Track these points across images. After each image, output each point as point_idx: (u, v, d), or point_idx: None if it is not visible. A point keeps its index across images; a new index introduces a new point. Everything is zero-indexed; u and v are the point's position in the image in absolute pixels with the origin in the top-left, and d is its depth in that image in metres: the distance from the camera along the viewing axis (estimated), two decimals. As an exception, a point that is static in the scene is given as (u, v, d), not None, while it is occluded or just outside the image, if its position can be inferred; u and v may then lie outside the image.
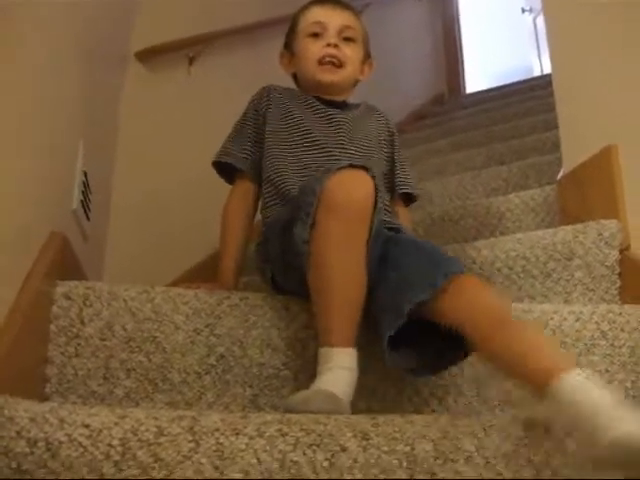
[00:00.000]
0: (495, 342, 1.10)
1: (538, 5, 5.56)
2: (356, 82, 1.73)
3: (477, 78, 6.38)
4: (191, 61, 2.82)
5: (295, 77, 1.75)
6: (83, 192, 1.75)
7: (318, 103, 1.65)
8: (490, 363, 1.18)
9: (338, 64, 1.62)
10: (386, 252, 1.35)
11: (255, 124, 1.64)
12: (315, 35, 1.63)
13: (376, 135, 1.69)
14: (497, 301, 1.19)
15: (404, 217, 1.67)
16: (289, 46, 1.72)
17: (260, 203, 1.62)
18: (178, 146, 2.64)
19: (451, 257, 1.30)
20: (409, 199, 1.73)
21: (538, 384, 0.99)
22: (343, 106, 1.68)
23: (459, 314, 1.17)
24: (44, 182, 1.44)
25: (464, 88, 6.10)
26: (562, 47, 2.11)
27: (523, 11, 6.65)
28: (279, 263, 1.43)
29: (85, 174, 1.77)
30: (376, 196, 1.26)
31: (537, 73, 6.25)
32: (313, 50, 1.62)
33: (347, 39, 1.63)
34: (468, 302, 1.18)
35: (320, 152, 1.56)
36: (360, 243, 1.25)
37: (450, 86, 5.99)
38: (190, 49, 2.80)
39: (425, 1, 5.77)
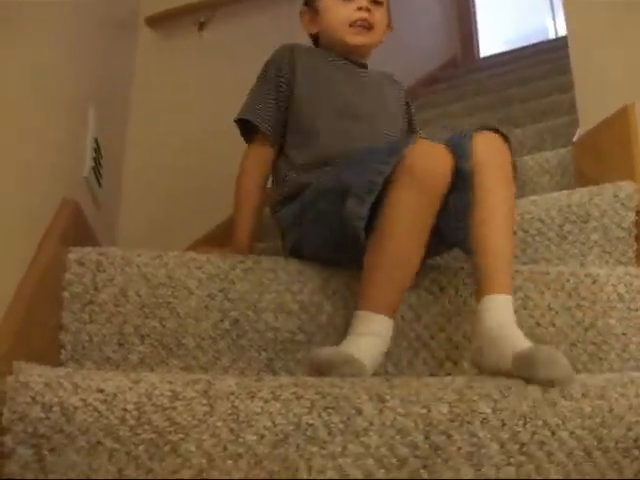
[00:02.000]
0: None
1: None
2: None
3: (491, 41, 6.30)
4: (202, 26, 2.80)
5: (314, 38, 1.71)
6: (95, 159, 1.74)
7: (348, 63, 1.63)
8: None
9: (369, 27, 1.59)
10: None
11: (278, 85, 1.58)
12: None
13: (397, 99, 1.69)
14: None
15: None
16: (311, 4, 1.66)
17: (282, 165, 1.57)
18: (190, 111, 2.63)
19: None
20: None
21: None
22: (366, 68, 1.67)
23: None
24: (56, 149, 1.43)
25: (478, 51, 6.02)
26: (576, 8, 2.07)
27: (537, -27, 6.56)
28: (315, 229, 1.41)
29: (96, 141, 1.76)
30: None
31: (552, 36, 6.17)
32: (345, 12, 1.58)
33: (376, 2, 1.60)
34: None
35: (357, 115, 1.55)
36: (432, 216, 1.23)
37: (464, 49, 5.92)
38: (200, 14, 2.77)
39: (438, -36, 5.69)
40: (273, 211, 1.56)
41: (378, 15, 1.60)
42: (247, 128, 1.59)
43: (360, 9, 1.57)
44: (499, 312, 1.15)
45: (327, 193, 1.36)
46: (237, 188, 1.56)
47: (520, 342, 1.07)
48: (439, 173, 1.22)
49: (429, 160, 1.22)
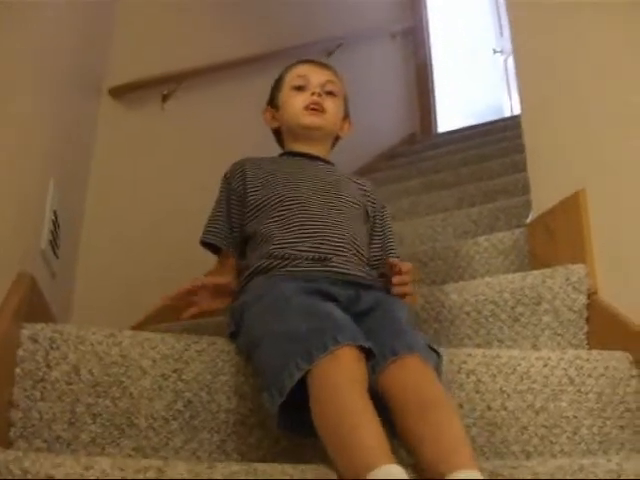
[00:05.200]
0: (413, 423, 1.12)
1: (509, 47, 5.64)
2: (336, 139, 1.81)
3: (449, 117, 6.45)
4: (165, 98, 2.83)
5: (276, 133, 1.82)
6: (52, 231, 1.74)
7: (301, 158, 1.72)
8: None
9: (321, 110, 1.70)
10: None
11: (229, 199, 1.67)
12: (299, 88, 1.73)
13: (357, 200, 1.68)
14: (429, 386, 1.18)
15: None
16: (273, 102, 1.81)
17: (247, 257, 1.60)
18: (150, 184, 2.64)
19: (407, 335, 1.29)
20: None
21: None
22: (325, 162, 1.74)
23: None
24: (13, 222, 1.43)
25: (436, 127, 6.15)
26: (531, 90, 2.14)
27: (494, 52, 6.74)
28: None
29: (55, 213, 1.76)
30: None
31: (508, 113, 6.33)
32: (300, 100, 1.71)
33: (329, 93, 1.73)
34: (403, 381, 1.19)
35: (304, 209, 1.57)
36: (362, 388, 1.13)
37: (423, 125, 6.04)
38: (164, 86, 2.81)
39: (398, 41, 5.84)
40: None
41: (330, 102, 1.72)
42: (211, 245, 1.66)
43: (313, 94, 1.70)
44: None
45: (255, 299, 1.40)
46: None
47: None
48: (353, 379, 1.13)
49: (340, 377, 1.13)
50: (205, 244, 1.67)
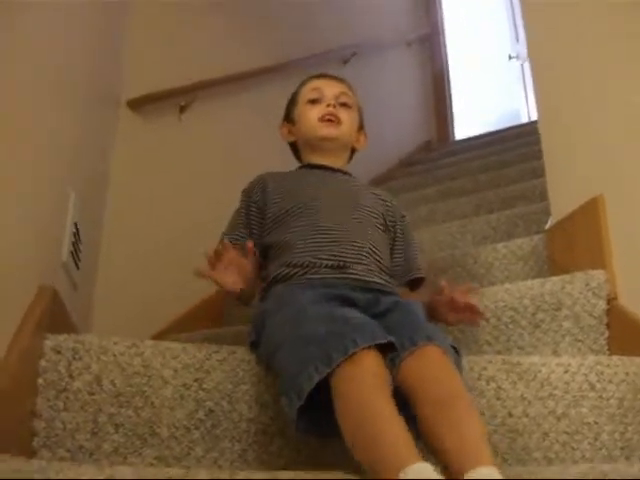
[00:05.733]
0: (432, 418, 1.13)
1: (525, 52, 5.63)
2: (353, 151, 1.82)
3: (466, 124, 6.43)
4: (182, 109, 2.85)
5: (293, 147, 1.84)
6: (73, 243, 1.76)
7: (319, 170, 1.73)
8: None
9: (337, 121, 1.72)
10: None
11: (248, 210, 1.68)
12: (314, 101, 1.75)
13: (375, 210, 1.69)
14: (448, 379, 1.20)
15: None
16: (289, 117, 1.83)
17: (268, 264, 1.60)
18: (168, 194, 2.66)
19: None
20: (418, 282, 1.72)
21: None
22: (343, 173, 1.76)
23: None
24: (35, 235, 1.45)
25: (453, 135, 6.14)
26: (548, 96, 2.15)
27: (510, 58, 6.73)
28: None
29: (76, 225, 1.78)
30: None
31: (525, 119, 6.31)
32: (314, 111, 1.74)
33: (343, 104, 1.75)
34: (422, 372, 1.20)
35: (324, 218, 1.58)
36: (386, 389, 1.14)
37: (439, 133, 6.03)
38: (181, 98, 2.83)
39: (414, 48, 5.84)
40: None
41: (345, 113, 1.74)
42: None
43: (328, 106, 1.72)
44: None
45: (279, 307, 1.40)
46: None
47: None
48: (374, 378, 1.15)
49: (363, 379, 1.14)
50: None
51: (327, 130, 1.71)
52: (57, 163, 1.65)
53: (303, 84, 1.83)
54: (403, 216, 1.77)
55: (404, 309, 1.42)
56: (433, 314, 1.52)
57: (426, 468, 0.97)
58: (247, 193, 1.72)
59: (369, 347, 1.16)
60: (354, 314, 1.29)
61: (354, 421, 1.09)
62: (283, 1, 3.79)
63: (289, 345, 1.26)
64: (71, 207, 1.74)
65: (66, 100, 1.71)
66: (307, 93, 1.78)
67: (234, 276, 1.44)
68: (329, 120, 1.71)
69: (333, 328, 1.21)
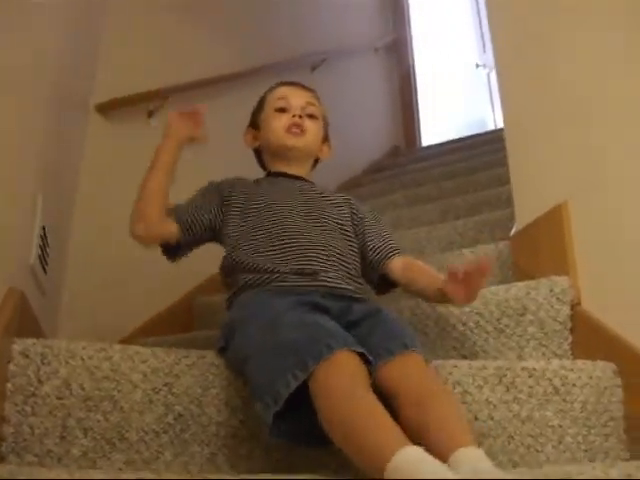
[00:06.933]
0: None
1: (491, 61, 5.68)
2: (316, 161, 1.84)
3: (434, 131, 6.47)
4: (150, 113, 2.84)
5: (257, 153, 1.86)
6: (41, 247, 1.75)
7: (284, 178, 1.75)
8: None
9: (302, 132, 1.74)
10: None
11: (206, 196, 1.71)
12: (281, 110, 1.76)
13: (340, 216, 1.71)
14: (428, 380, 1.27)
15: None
16: (254, 123, 1.84)
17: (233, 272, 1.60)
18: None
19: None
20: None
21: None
22: (306, 181, 1.77)
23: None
24: (2, 237, 1.44)
25: (420, 141, 6.18)
26: (513, 104, 2.17)
27: (477, 66, 6.79)
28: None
29: (44, 228, 1.77)
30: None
31: (492, 127, 6.36)
32: (280, 120, 1.75)
33: (309, 115, 1.77)
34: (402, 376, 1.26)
35: (289, 226, 1.60)
36: (366, 384, 1.19)
37: (407, 139, 6.07)
38: (150, 102, 2.82)
39: (381, 55, 5.87)
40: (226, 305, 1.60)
41: (311, 124, 1.76)
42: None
43: (293, 116, 1.74)
44: None
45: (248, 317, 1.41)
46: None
47: None
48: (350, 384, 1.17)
49: (342, 377, 1.17)
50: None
51: (292, 140, 1.73)
52: (24, 165, 1.64)
53: (270, 91, 1.85)
54: (370, 210, 1.80)
55: (376, 317, 1.44)
56: (443, 299, 1.50)
57: (417, 450, 1.02)
58: (217, 185, 1.74)
59: (343, 350, 1.19)
60: (326, 320, 1.31)
61: (339, 416, 1.12)
62: (253, 7, 3.80)
63: (265, 352, 1.28)
64: (39, 211, 1.73)
65: (33, 102, 1.70)
66: (274, 101, 1.79)
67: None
68: (294, 131, 1.73)
69: (307, 334, 1.24)
